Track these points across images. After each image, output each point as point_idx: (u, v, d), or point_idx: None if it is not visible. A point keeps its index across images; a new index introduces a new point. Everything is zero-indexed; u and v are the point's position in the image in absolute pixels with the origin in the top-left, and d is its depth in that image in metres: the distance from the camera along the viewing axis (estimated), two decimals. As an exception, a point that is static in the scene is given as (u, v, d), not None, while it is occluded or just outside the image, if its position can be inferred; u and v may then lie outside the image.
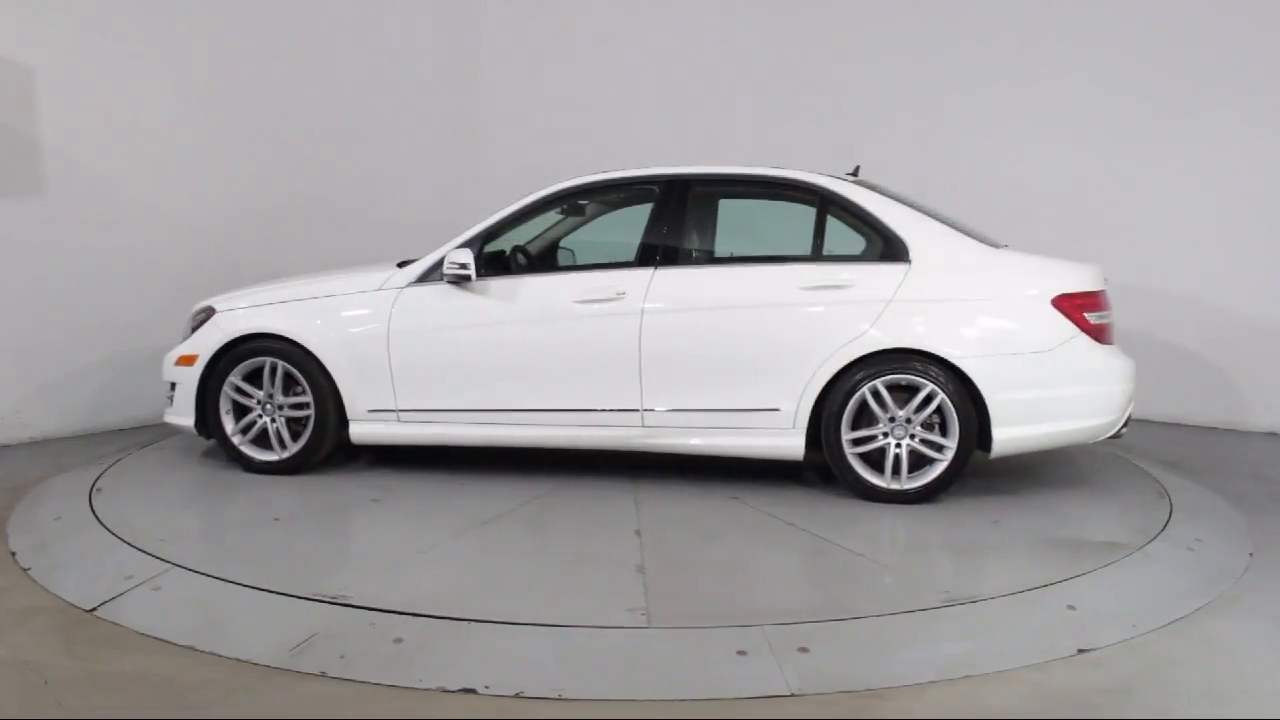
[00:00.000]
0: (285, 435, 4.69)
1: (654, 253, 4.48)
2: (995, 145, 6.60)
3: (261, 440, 4.73)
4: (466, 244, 4.54)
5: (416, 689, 2.62)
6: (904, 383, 4.17)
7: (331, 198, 6.99)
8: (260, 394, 4.70)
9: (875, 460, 4.23)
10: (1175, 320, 6.13)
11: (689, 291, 4.40)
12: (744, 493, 4.34)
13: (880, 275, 4.26)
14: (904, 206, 4.43)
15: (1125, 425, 4.34)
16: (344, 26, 7.08)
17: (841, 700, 2.58)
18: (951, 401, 4.12)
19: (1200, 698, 2.62)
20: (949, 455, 4.14)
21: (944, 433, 4.16)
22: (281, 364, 4.65)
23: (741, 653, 2.78)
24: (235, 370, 4.71)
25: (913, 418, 4.17)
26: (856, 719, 2.50)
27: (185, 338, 4.90)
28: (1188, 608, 3.18)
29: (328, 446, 4.70)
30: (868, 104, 6.95)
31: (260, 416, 4.72)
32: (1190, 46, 6.07)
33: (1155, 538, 3.77)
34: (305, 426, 4.66)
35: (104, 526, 3.86)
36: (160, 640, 2.92)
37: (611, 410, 4.40)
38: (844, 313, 4.23)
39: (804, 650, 2.80)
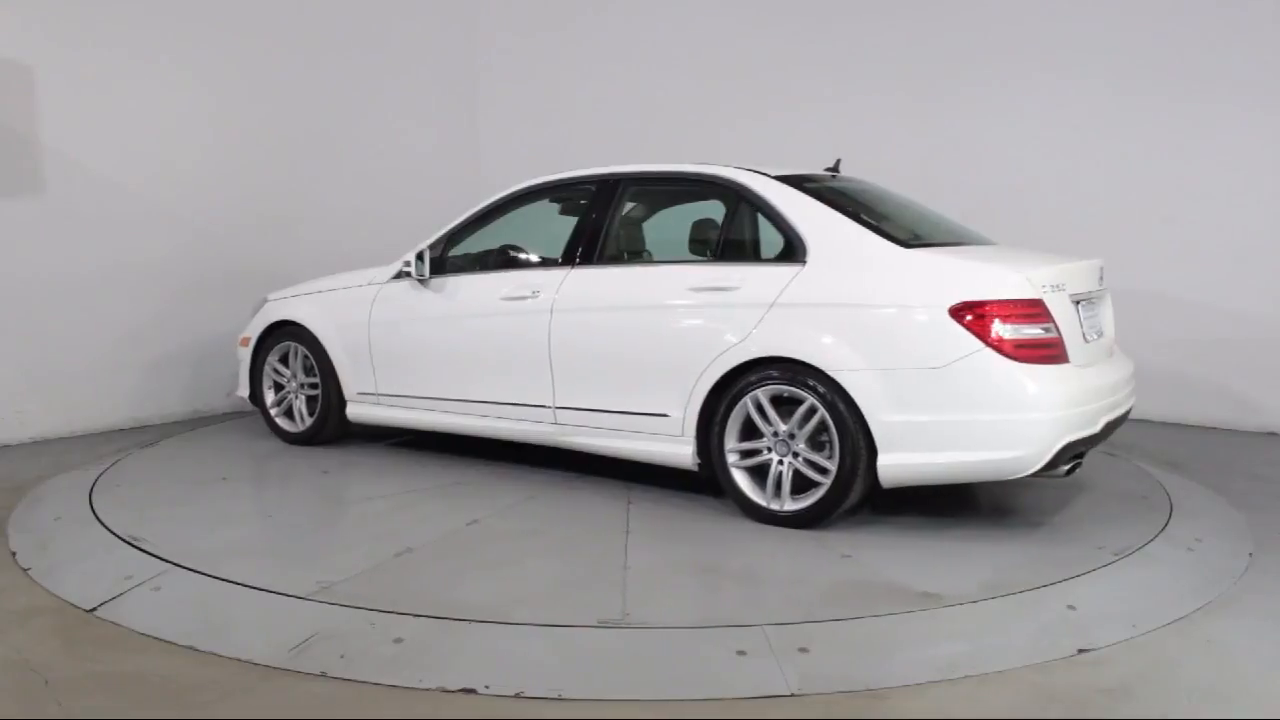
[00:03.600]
0: (303, 411, 5.34)
1: (574, 252, 4.51)
2: (998, 143, 6.59)
3: (289, 414, 5.41)
4: (432, 245, 4.87)
5: (416, 689, 2.62)
6: (787, 394, 3.82)
7: (332, 198, 6.99)
8: (288, 373, 5.38)
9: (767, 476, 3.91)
10: (1175, 320, 6.12)
11: (593, 291, 4.38)
12: (643, 498, 4.29)
13: (768, 277, 3.94)
14: (816, 203, 4.04)
15: (1068, 460, 3.68)
16: (345, 27, 7.08)
17: (841, 700, 2.58)
18: (832, 418, 3.70)
19: (1200, 698, 2.62)
20: (830, 478, 3.74)
21: (832, 453, 3.75)
22: (301, 348, 5.30)
23: (741, 653, 2.78)
24: (273, 352, 5.42)
25: (796, 433, 3.80)
26: (856, 719, 2.50)
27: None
28: (1188, 608, 3.17)
29: (333, 422, 5.26)
30: (868, 101, 6.95)
31: (289, 393, 5.40)
32: (1195, 43, 6.06)
33: (1155, 538, 3.76)
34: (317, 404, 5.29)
35: (104, 526, 3.86)
36: (160, 640, 2.92)
37: (528, 405, 4.53)
38: (726, 317, 3.96)
39: (804, 650, 2.80)
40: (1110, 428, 3.90)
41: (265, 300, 5.56)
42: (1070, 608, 3.12)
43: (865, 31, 6.97)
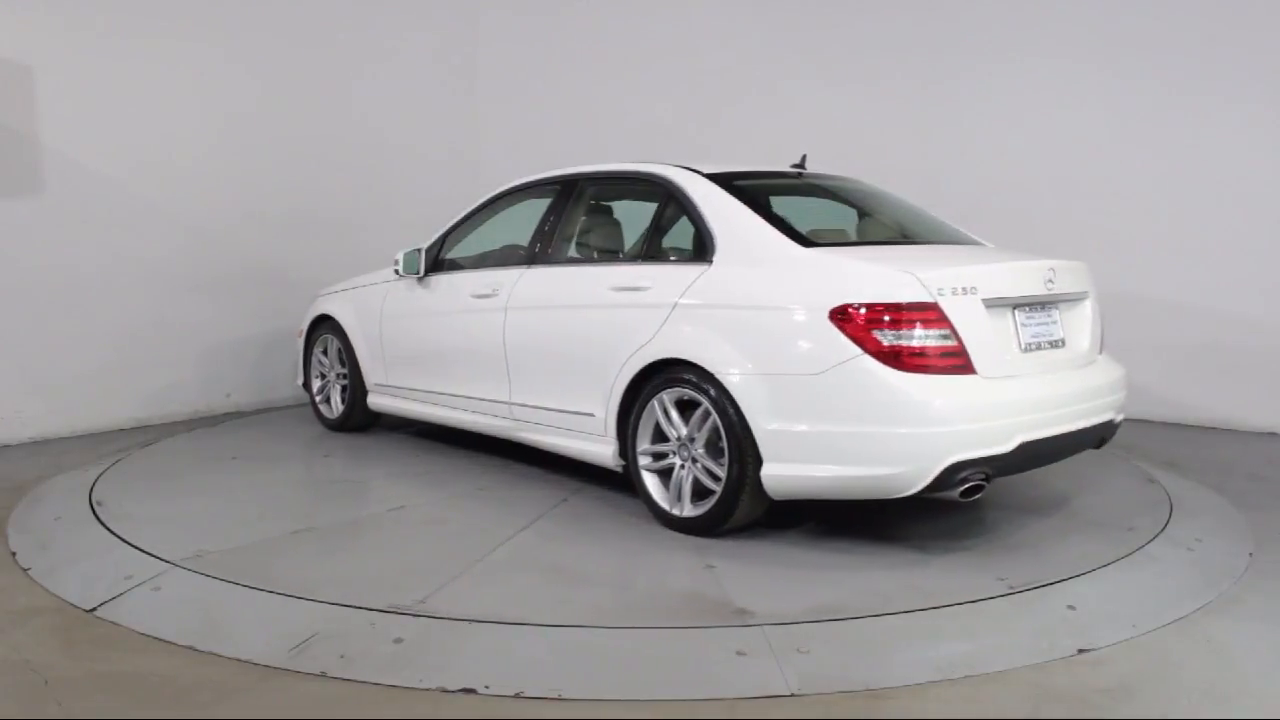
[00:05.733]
0: (337, 399, 5.72)
1: (531, 251, 4.60)
2: (997, 142, 6.59)
3: (328, 401, 5.80)
4: (429, 245, 5.07)
5: (416, 689, 2.62)
6: (687, 398, 3.71)
7: (333, 199, 6.99)
8: (328, 363, 5.76)
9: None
10: (1175, 319, 6.13)
11: (539, 291, 4.44)
12: (582, 496, 4.34)
13: (676, 276, 3.85)
14: (730, 199, 3.89)
15: (962, 482, 3.30)
16: (346, 29, 7.08)
17: (841, 700, 2.58)
18: (723, 424, 3.56)
19: (1200, 698, 2.62)
20: (721, 485, 3.62)
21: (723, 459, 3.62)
22: (335, 341, 5.66)
23: (741, 653, 2.78)
24: (317, 344, 5.81)
25: (696, 437, 3.70)
26: (856, 719, 2.50)
27: None
28: (1188, 608, 3.17)
29: (359, 410, 5.59)
30: (862, 97, 6.96)
31: (328, 383, 5.78)
32: (1197, 40, 6.06)
33: (1155, 538, 3.76)
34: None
35: (104, 526, 3.87)
36: (160, 640, 2.92)
37: (491, 400, 4.67)
38: (638, 317, 3.90)
39: (804, 650, 2.80)
40: (1049, 446, 3.56)
41: (317, 296, 5.93)
42: (1070, 608, 3.12)
43: (866, 27, 6.97)
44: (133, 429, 5.93)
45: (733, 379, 3.54)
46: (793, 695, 2.59)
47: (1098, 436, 3.87)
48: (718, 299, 3.70)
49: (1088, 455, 4.46)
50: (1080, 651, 2.85)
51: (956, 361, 3.33)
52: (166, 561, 3.46)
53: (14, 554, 3.68)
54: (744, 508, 3.62)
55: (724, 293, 3.70)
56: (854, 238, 4.16)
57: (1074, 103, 6.35)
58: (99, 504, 4.16)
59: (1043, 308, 3.72)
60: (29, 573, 3.50)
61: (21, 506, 4.27)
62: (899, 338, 3.28)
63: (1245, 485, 4.73)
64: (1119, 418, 3.97)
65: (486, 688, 2.62)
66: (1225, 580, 3.43)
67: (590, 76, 7.80)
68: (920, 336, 3.29)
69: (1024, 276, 3.67)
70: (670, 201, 4.12)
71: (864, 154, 6.37)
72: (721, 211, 3.88)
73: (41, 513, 4.16)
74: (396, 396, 5.30)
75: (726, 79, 7.38)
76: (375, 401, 5.47)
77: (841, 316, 3.34)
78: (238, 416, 6.32)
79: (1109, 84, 6.26)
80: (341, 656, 2.77)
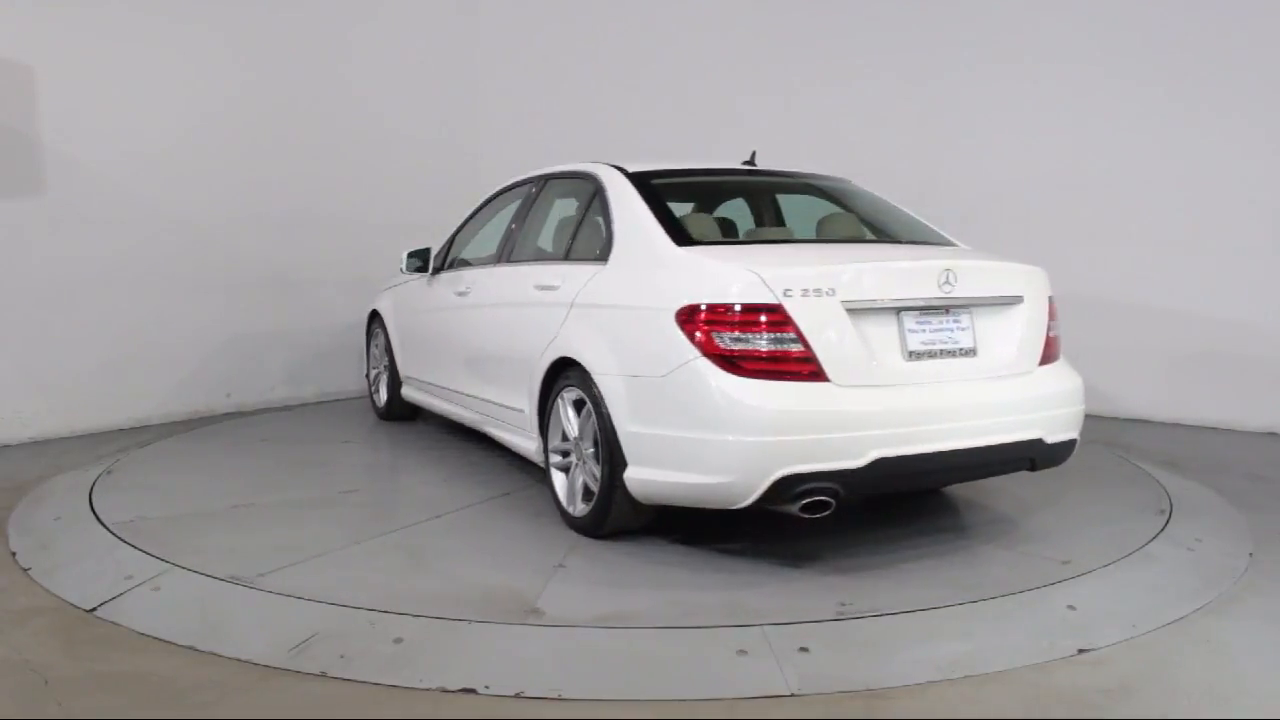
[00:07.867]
0: (384, 390, 6.03)
1: (499, 251, 4.71)
2: (996, 142, 6.59)
3: (379, 392, 6.12)
4: (440, 247, 5.32)
5: (416, 689, 2.62)
6: (580, 397, 3.66)
7: (333, 199, 6.99)
8: (377, 355, 6.12)
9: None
10: (1175, 319, 6.13)
11: (494, 289, 4.58)
12: (527, 491, 4.37)
13: (578, 276, 3.84)
14: (634, 198, 3.81)
15: (801, 496, 3.08)
16: (344, 29, 7.07)
17: (841, 700, 2.58)
18: (599, 424, 3.48)
19: (1200, 698, 2.62)
20: (599, 486, 3.55)
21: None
22: (383, 335, 5.99)
23: (742, 653, 2.78)
24: (372, 339, 6.19)
25: (585, 436, 3.66)
26: (856, 719, 2.50)
27: None
28: (1188, 608, 3.17)
29: (397, 401, 5.86)
30: (859, 98, 6.95)
31: (379, 374, 6.10)
32: (1196, 40, 6.06)
33: (1155, 538, 3.76)
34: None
35: (104, 526, 3.86)
36: (160, 640, 2.92)
37: (464, 394, 4.83)
38: (549, 316, 3.91)
39: (804, 650, 2.80)
40: (931, 464, 3.24)
41: (377, 291, 6.27)
42: (1070, 608, 3.12)
43: (864, 25, 6.97)
44: (133, 429, 5.92)
45: (603, 379, 3.49)
46: (793, 695, 2.59)
47: (1023, 457, 3.48)
48: (601, 298, 3.68)
49: (1086, 452, 4.35)
50: (1080, 651, 2.85)
51: (803, 368, 3.12)
52: (114, 534, 3.68)
53: (14, 554, 3.68)
54: (619, 511, 3.53)
55: (606, 292, 3.68)
56: (803, 236, 4.16)
57: (1075, 106, 6.35)
58: (109, 472, 4.59)
59: (946, 312, 3.40)
60: (29, 573, 3.50)
61: (21, 506, 4.27)
62: (736, 340, 3.13)
63: (1245, 485, 4.73)
64: (1057, 437, 3.52)
65: (486, 688, 2.62)
66: (1225, 580, 3.43)
67: (592, 77, 7.79)
68: (758, 339, 3.12)
69: (908, 278, 3.36)
70: (594, 199, 4.08)
71: (868, 152, 6.37)
72: (624, 210, 3.84)
73: (41, 513, 4.16)
74: (416, 389, 5.59)
75: (728, 75, 7.37)
76: (405, 393, 5.76)
77: (683, 317, 3.24)
78: (238, 416, 6.31)
79: (1110, 88, 6.26)
80: (341, 656, 2.77)
